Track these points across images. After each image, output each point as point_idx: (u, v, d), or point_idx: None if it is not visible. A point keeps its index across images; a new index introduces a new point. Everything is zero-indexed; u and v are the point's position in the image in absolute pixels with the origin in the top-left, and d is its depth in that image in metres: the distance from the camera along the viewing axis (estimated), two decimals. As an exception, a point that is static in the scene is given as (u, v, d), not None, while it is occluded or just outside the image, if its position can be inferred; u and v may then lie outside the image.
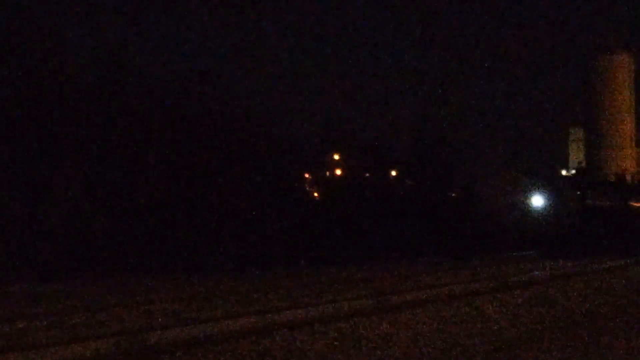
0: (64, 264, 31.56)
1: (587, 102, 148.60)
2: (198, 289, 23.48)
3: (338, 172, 50.42)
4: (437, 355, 11.93)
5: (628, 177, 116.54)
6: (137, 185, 36.04)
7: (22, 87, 33.93)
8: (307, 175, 47.98)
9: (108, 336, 12.88)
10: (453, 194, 59.30)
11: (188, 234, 36.43)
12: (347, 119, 62.76)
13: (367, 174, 52.80)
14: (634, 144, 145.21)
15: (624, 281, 25.72)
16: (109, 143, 35.47)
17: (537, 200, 61.15)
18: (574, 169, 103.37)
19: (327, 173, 50.31)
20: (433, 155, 58.37)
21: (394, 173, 56.30)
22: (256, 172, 40.67)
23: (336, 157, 50.90)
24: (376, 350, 12.13)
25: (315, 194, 47.48)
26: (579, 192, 69.92)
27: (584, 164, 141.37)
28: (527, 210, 60.11)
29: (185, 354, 11.25)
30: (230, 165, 39.06)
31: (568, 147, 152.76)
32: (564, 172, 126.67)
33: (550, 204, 61.47)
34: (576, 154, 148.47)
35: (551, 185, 65.13)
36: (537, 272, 29.57)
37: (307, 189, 47.31)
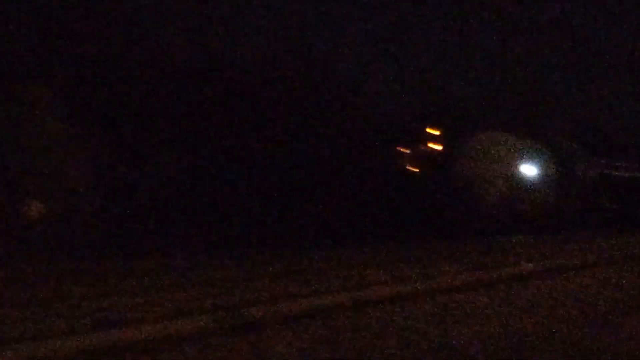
0: (156, 240, 32.11)
1: None
2: (293, 264, 23.56)
3: (436, 147, 49.92)
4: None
5: None
6: (234, 159, 36.37)
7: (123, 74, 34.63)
8: (404, 150, 47.64)
9: (207, 312, 13.00)
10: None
11: (282, 211, 36.62)
12: (447, 92, 59.36)
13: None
14: None
15: None
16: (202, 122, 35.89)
17: (529, 169, 44.53)
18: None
19: (425, 148, 49.82)
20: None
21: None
22: (351, 147, 40.56)
23: (435, 132, 50.32)
24: (474, 325, 12.00)
25: (413, 169, 47.10)
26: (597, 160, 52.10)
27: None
28: (515, 181, 44.04)
29: (284, 329, 11.31)
30: (324, 139, 39.05)
31: None
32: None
33: (547, 174, 45.57)
34: None
35: (553, 150, 47.98)
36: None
37: (403, 164, 46.95)
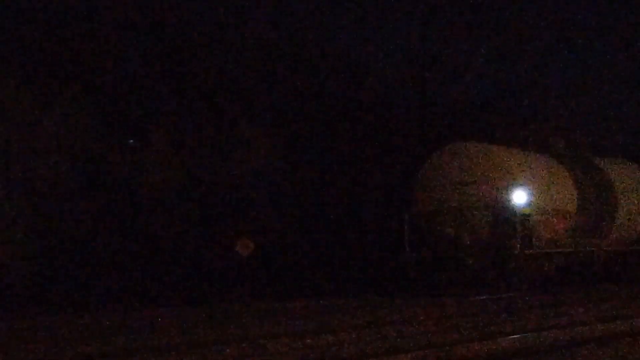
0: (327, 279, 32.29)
1: None
2: (492, 304, 23.25)
3: None
4: None
5: None
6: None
7: None
8: None
9: (416, 349, 13.09)
10: None
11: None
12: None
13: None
14: None
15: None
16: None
17: (520, 197, 27.16)
18: None
19: None
20: None
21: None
22: None
23: None
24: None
25: None
26: None
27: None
28: (502, 212, 27.41)
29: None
30: None
31: None
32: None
33: (559, 202, 29.79)
34: None
35: (573, 166, 31.86)
36: None
37: None
